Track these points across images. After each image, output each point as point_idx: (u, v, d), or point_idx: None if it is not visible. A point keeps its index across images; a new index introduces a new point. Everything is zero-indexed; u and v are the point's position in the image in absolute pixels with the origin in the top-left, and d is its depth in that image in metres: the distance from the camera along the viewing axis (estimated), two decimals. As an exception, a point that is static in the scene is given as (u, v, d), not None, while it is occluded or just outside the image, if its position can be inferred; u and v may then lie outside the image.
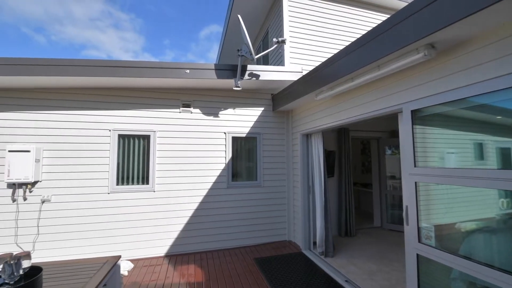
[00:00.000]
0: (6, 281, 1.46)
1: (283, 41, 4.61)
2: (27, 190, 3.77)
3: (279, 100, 4.70)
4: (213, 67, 4.18)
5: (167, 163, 4.40)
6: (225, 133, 4.72)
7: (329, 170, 4.98)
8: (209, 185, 4.57)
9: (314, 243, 4.33)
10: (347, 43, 3.36)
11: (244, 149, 4.92)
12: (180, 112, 4.56)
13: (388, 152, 5.83)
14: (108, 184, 4.09)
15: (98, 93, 4.17)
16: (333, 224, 5.13)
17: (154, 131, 4.36)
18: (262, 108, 5.00)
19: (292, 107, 4.67)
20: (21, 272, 1.52)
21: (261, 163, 4.86)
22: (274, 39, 4.62)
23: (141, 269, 3.72)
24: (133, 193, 4.20)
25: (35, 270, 1.64)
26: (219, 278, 3.42)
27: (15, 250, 3.72)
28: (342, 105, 3.35)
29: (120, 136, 4.23)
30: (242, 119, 4.85)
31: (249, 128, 4.86)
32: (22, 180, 3.65)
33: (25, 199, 3.76)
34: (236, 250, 4.46)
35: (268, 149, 4.94)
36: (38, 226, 3.78)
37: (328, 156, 5.13)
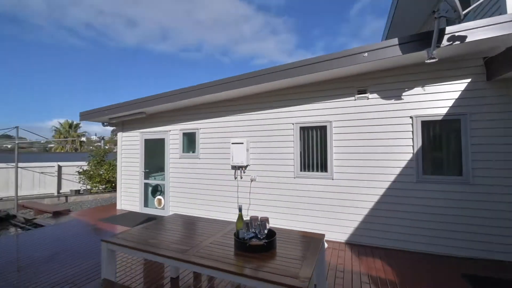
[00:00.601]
0: (258, 236, 2.05)
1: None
2: (242, 171, 5.16)
3: (504, 63, 3.32)
4: (397, 42, 3.64)
5: (344, 152, 4.42)
6: (411, 117, 4.02)
7: None
8: (392, 177, 4.11)
9: None
10: None
11: (440, 136, 3.98)
12: (355, 100, 4.40)
13: None
14: (293, 170, 4.74)
15: (283, 93, 4.88)
16: None
17: (330, 121, 4.51)
18: (468, 80, 3.77)
19: (531, 70, 3.14)
20: (265, 231, 2.06)
21: (467, 153, 3.71)
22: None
23: (325, 251, 4.01)
24: (314, 179, 4.60)
25: (271, 232, 2.17)
26: (416, 284, 2.99)
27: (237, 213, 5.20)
28: None
29: (301, 128, 4.74)
30: (436, 98, 3.91)
31: (446, 109, 3.85)
32: (239, 164, 5.03)
33: (241, 177, 5.17)
34: (430, 256, 3.73)
35: (480, 134, 3.67)
36: (249, 198, 5.09)
37: None
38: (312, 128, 4.70)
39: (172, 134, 6.07)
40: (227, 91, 4.76)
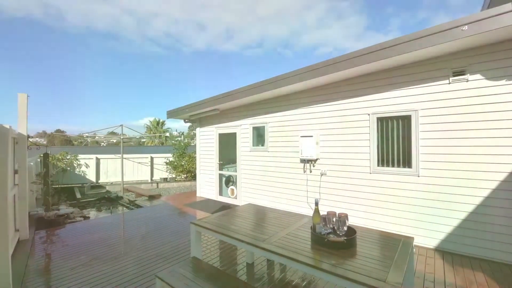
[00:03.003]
0: (337, 232, 1.99)
1: None
2: (311, 165, 5.07)
3: None
4: (511, 8, 2.89)
5: (434, 145, 3.82)
6: (533, 101, 3.15)
7: None
8: (501, 176, 3.34)
9: None
10: None
11: None
12: (449, 84, 3.72)
13: None
14: (369, 165, 4.38)
15: (357, 81, 4.53)
16: None
17: (415, 110, 3.95)
18: None
19: None
20: (345, 228, 1.98)
21: None
22: None
23: (409, 255, 3.59)
24: (394, 175, 4.14)
25: (351, 229, 2.07)
26: (541, 310, 2.39)
27: (305, 207, 5.16)
28: None
29: (378, 119, 4.32)
30: None
31: None
32: (309, 158, 4.95)
33: (310, 171, 5.09)
34: None
35: None
36: (319, 193, 4.97)
37: None
38: (392, 118, 4.22)
39: (243, 128, 6.42)
40: (295, 83, 4.71)
